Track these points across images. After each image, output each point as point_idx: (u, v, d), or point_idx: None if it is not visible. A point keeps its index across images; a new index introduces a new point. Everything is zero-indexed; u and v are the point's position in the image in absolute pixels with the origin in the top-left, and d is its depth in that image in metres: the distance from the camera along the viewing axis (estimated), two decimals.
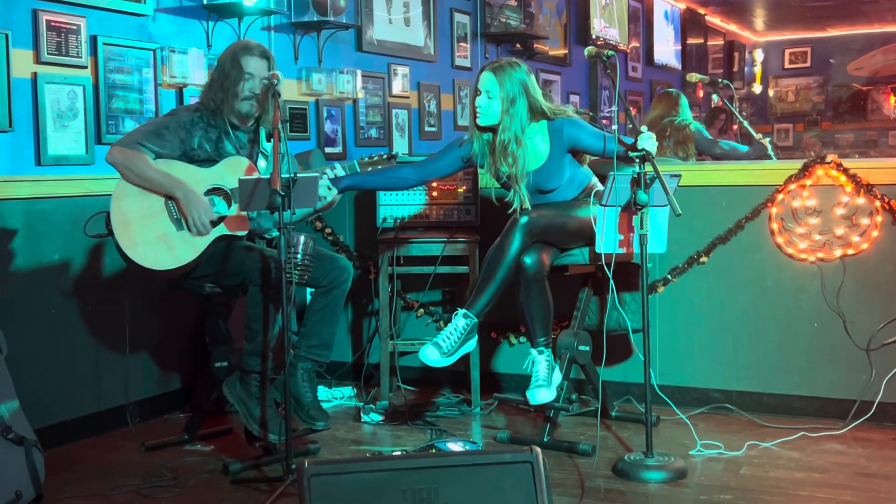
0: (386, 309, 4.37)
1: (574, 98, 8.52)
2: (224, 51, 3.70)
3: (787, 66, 14.23)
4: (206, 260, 3.53)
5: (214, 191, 3.53)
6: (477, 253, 4.30)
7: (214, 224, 3.49)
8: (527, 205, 3.67)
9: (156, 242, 3.46)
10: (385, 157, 3.78)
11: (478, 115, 3.73)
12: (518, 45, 7.42)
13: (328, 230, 4.82)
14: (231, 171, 3.52)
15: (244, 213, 3.51)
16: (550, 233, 3.65)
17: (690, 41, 11.35)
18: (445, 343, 3.54)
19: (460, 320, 3.57)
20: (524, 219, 3.59)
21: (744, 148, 5.16)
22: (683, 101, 5.74)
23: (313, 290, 3.74)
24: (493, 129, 3.73)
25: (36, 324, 3.80)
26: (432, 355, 3.53)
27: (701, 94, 11.21)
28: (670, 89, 6.11)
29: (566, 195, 3.76)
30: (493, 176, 3.81)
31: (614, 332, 3.88)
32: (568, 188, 3.76)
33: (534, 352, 3.67)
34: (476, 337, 3.62)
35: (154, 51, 4.36)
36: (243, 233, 3.56)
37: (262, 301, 3.46)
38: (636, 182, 3.37)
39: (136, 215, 3.46)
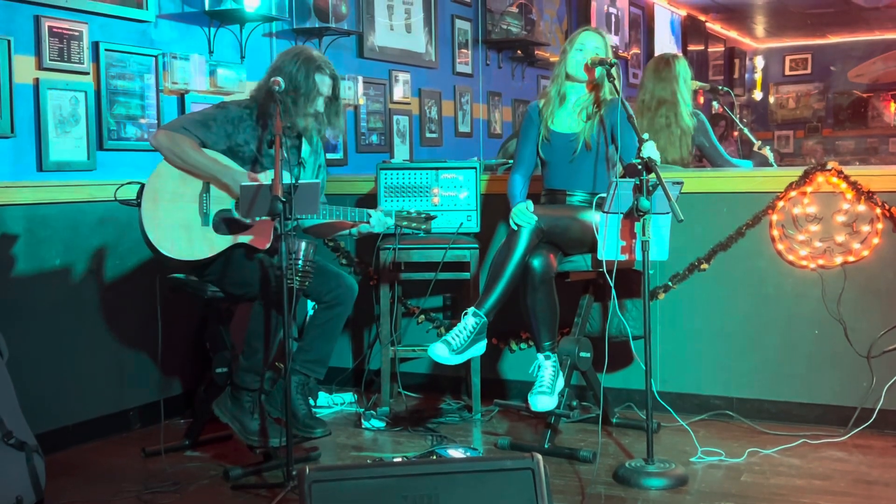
0: (387, 315, 4.37)
1: None
2: (291, 57, 3.63)
3: (787, 72, 14.24)
4: (218, 263, 3.52)
5: None
6: (478, 259, 4.30)
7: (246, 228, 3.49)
8: (592, 143, 3.85)
9: (178, 229, 3.46)
10: (423, 217, 3.81)
11: (574, 63, 3.90)
12: (519, 52, 7.44)
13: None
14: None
15: (266, 227, 3.48)
16: (555, 232, 3.69)
17: (691, 48, 11.37)
18: (455, 341, 3.55)
19: (470, 319, 3.58)
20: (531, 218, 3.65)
21: (748, 164, 5.10)
22: (681, 68, 4.84)
23: (316, 305, 3.73)
24: (576, 81, 3.92)
25: (37, 328, 3.80)
26: (442, 353, 3.54)
27: (701, 100, 11.20)
28: (664, 53, 5.27)
29: (586, 187, 3.87)
30: (545, 135, 3.93)
31: (615, 339, 3.88)
32: (596, 179, 3.86)
33: (540, 357, 3.68)
34: (485, 340, 3.64)
35: (156, 57, 4.36)
36: (262, 247, 3.54)
37: (266, 320, 3.45)
38: (638, 189, 3.38)
39: (169, 196, 3.46)
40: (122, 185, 3.61)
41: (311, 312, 3.81)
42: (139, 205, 3.47)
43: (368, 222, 3.70)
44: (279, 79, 3.52)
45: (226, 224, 3.52)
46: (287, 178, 3.28)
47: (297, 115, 3.57)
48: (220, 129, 3.55)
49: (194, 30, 4.61)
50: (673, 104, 4.71)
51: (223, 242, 3.49)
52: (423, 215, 3.80)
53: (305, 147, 3.74)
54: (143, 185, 3.49)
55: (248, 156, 3.59)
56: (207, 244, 3.48)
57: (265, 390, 3.55)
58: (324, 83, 3.60)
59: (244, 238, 3.51)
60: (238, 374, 3.53)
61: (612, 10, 9.10)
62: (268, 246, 3.57)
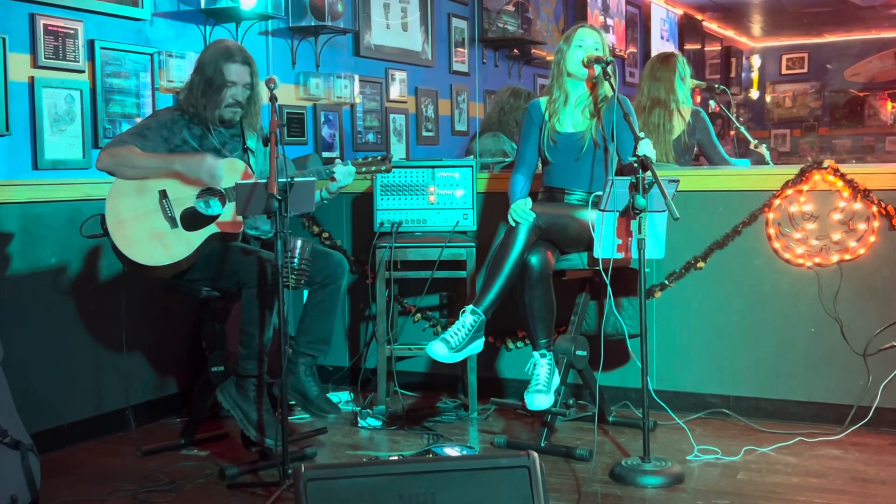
0: (383, 314, 4.37)
1: None
2: (204, 52, 3.74)
3: (784, 71, 14.25)
4: (202, 261, 3.54)
5: (208, 191, 3.55)
6: (474, 257, 4.30)
7: (212, 220, 3.50)
8: (599, 140, 3.84)
9: (150, 240, 3.48)
10: (379, 159, 3.80)
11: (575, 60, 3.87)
12: (516, 51, 7.43)
13: (325, 234, 4.82)
14: (226, 171, 3.54)
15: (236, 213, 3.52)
16: (554, 230, 3.68)
17: (688, 47, 11.36)
18: (454, 339, 3.55)
19: (468, 317, 3.58)
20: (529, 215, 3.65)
21: (745, 162, 5.10)
22: (678, 66, 4.86)
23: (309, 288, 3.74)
24: (577, 79, 3.90)
25: (32, 328, 3.80)
26: (440, 351, 3.54)
27: (698, 99, 11.23)
28: (662, 52, 5.22)
29: (585, 186, 3.85)
30: (550, 136, 3.90)
31: (612, 338, 3.88)
32: (594, 178, 3.83)
33: (536, 355, 3.68)
34: (483, 338, 3.64)
35: (151, 55, 4.36)
36: (236, 232, 3.58)
37: (258, 304, 3.46)
38: (635, 187, 3.37)
39: (131, 214, 3.49)
40: (86, 220, 3.61)
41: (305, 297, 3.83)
42: (107, 233, 3.49)
43: (334, 178, 3.71)
44: (275, 76, 3.53)
45: (194, 219, 3.54)
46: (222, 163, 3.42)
47: (214, 107, 3.63)
48: (155, 135, 3.59)
49: (190, 28, 4.61)
50: (666, 104, 4.72)
51: (198, 237, 3.51)
52: (378, 157, 3.80)
53: (251, 136, 3.76)
54: (103, 215, 3.51)
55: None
56: (183, 244, 3.50)
57: (267, 380, 3.56)
58: (231, 71, 3.62)
59: (215, 229, 3.53)
60: (239, 364, 3.53)
61: (606, 10, 9.09)
62: (241, 230, 3.61)
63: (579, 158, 3.85)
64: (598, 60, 3.76)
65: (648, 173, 3.39)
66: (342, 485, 2.34)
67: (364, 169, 3.79)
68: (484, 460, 2.49)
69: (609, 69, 3.74)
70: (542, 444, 3.70)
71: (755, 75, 13.99)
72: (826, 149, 13.31)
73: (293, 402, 3.84)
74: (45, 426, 3.76)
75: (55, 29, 3.92)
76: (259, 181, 3.34)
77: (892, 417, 3.96)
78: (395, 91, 6.12)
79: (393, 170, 3.91)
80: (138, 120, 4.26)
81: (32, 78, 3.85)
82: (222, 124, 3.70)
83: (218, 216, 3.54)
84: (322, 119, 5.49)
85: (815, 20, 12.30)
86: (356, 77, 5.59)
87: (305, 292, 3.77)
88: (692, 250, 4.24)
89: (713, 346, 4.26)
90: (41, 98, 3.87)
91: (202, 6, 4.59)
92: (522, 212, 3.65)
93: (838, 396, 4.05)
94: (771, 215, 4.13)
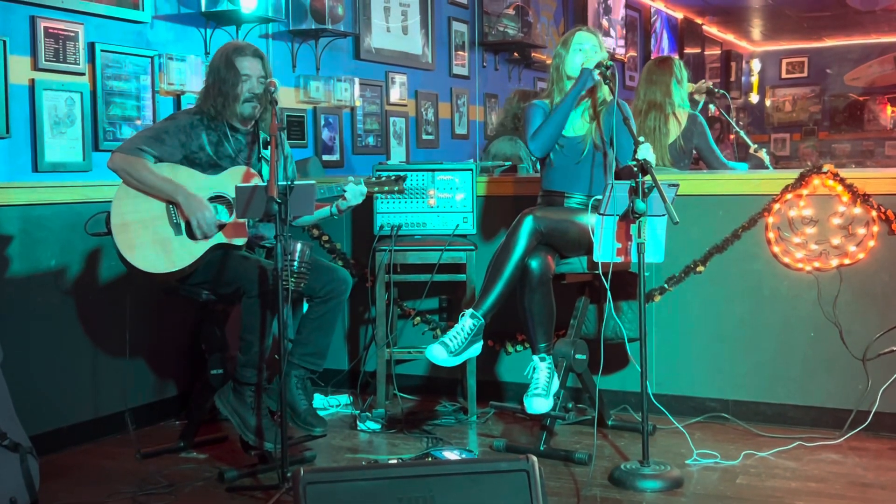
0: (382, 317, 4.37)
1: None
2: (214, 55, 3.73)
3: (783, 75, 14.27)
4: (203, 267, 3.53)
5: (217, 199, 3.54)
6: (474, 261, 4.30)
7: (218, 228, 3.50)
8: (598, 140, 3.84)
9: (153, 246, 3.47)
10: (393, 179, 3.76)
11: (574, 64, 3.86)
12: (516, 54, 7.44)
13: (325, 237, 4.82)
14: (235, 180, 3.53)
15: (242, 221, 3.51)
16: (554, 235, 3.69)
17: (688, 50, 11.38)
18: (453, 342, 3.55)
19: (467, 320, 3.58)
20: (529, 218, 3.64)
21: (744, 166, 5.10)
22: (675, 70, 4.85)
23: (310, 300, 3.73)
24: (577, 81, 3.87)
25: (32, 330, 3.80)
26: (440, 354, 3.54)
27: (699, 103, 11.22)
28: (658, 56, 5.31)
29: (584, 190, 3.84)
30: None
31: (611, 341, 3.88)
32: (594, 181, 3.83)
33: (535, 358, 3.68)
34: (482, 342, 3.64)
35: (152, 58, 4.36)
36: (242, 241, 3.56)
37: (258, 312, 3.46)
38: (634, 191, 3.38)
39: (136, 217, 3.48)
40: (92, 217, 3.61)
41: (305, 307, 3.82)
42: (110, 233, 3.49)
43: (344, 197, 3.67)
44: (275, 80, 3.53)
45: None
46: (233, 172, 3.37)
47: (233, 105, 3.60)
48: (173, 139, 3.56)
49: (190, 31, 4.61)
50: (662, 108, 4.73)
51: (201, 247, 3.49)
52: (392, 178, 3.75)
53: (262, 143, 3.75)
54: (108, 213, 3.50)
55: (205, 161, 3.60)
56: (186, 252, 3.49)
57: (264, 386, 3.55)
58: (244, 65, 3.61)
59: (221, 238, 3.52)
60: (238, 371, 3.53)
61: (606, 15, 9.10)
62: (246, 240, 3.59)
63: (580, 162, 3.86)
64: (598, 65, 3.77)
65: (648, 177, 3.40)
66: (341, 488, 2.34)
67: (377, 189, 3.73)
68: (483, 464, 2.49)
69: (608, 73, 3.74)
70: (542, 448, 3.70)
71: (755, 79, 14.00)
72: (826, 153, 13.32)
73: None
74: (45, 428, 3.75)
75: (56, 31, 3.92)
76: (259, 184, 3.34)
77: (891, 422, 3.96)
78: (396, 94, 6.13)
79: (406, 191, 3.84)
80: (138, 123, 4.26)
81: (33, 80, 3.85)
82: (243, 123, 3.67)
83: (224, 225, 3.53)
84: (322, 122, 5.49)
85: (814, 24, 12.31)
86: (356, 80, 5.60)
87: (305, 304, 3.76)
88: (692, 254, 4.25)
89: (712, 349, 4.26)
90: (41, 100, 3.87)
91: (202, 9, 4.59)
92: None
93: (837, 401, 4.05)
94: (770, 219, 4.13)
